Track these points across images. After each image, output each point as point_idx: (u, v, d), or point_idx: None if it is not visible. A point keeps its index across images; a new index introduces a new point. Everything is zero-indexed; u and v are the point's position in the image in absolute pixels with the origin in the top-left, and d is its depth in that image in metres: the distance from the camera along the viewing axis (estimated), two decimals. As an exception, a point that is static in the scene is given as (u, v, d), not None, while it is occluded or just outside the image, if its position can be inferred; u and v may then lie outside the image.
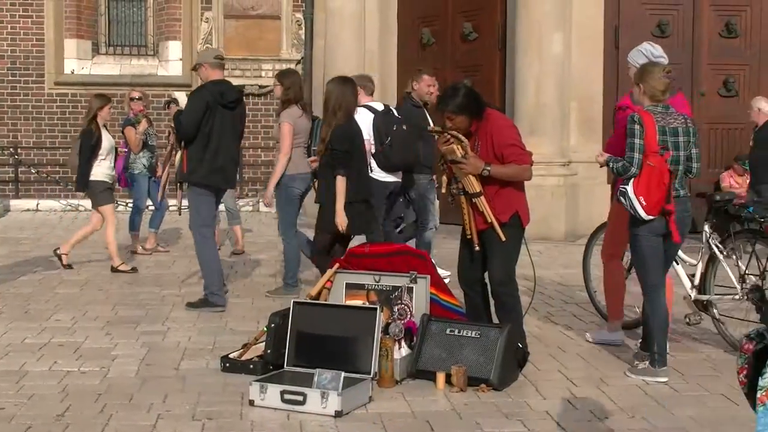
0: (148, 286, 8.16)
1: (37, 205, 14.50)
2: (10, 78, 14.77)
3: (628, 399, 4.90)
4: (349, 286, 5.63)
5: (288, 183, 7.51)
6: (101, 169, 8.80)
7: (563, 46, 11.53)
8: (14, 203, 14.46)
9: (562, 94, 11.54)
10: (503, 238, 5.31)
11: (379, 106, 7.78)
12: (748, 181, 10.65)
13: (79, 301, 7.47)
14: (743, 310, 5.90)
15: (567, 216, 11.24)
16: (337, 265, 5.72)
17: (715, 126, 12.06)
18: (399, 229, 8.14)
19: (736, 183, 11.56)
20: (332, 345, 5.08)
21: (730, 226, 5.92)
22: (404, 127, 7.69)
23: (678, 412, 4.69)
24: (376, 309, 5.11)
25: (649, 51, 5.83)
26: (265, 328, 5.34)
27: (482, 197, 5.31)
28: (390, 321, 5.29)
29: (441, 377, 5.02)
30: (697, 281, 6.03)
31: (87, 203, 14.24)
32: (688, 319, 5.98)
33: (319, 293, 5.63)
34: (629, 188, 5.13)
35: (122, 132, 9.98)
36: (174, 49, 14.94)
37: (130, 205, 10.47)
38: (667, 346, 5.44)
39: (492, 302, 5.57)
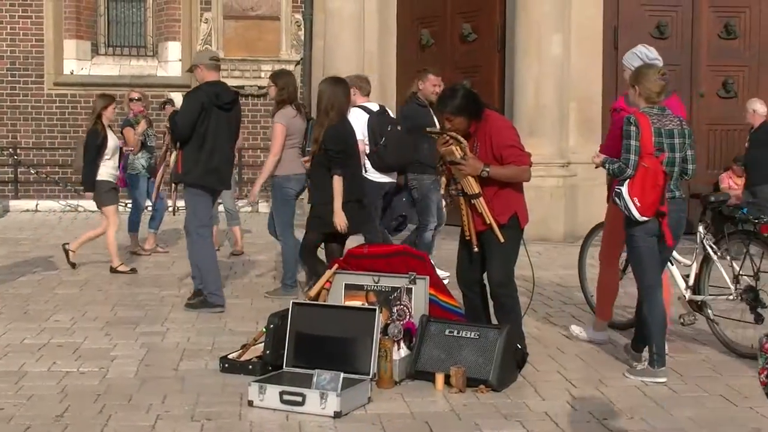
0: (147, 286, 8.16)
1: (37, 205, 14.50)
2: (9, 78, 14.78)
3: (627, 400, 4.91)
4: (348, 287, 5.63)
5: (283, 184, 7.52)
6: (106, 169, 8.83)
7: (562, 47, 11.53)
8: (13, 204, 14.47)
9: (561, 95, 11.54)
10: (502, 240, 5.31)
11: (374, 107, 7.80)
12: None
13: (78, 301, 7.47)
14: (739, 311, 5.92)
15: (566, 217, 11.24)
16: (336, 265, 5.73)
17: (714, 127, 12.07)
18: (398, 227, 8.15)
19: (735, 184, 11.56)
20: (331, 346, 5.08)
21: (725, 227, 5.95)
22: (399, 128, 7.70)
23: (677, 413, 4.69)
24: (375, 310, 5.12)
25: (643, 53, 5.86)
26: (264, 329, 5.35)
27: (481, 198, 5.31)
28: (389, 322, 5.29)
29: (440, 378, 5.03)
30: (691, 282, 6.06)
31: (86, 204, 14.35)
32: (682, 320, 6.01)
33: (318, 294, 5.63)
34: (624, 189, 5.15)
35: (121, 132, 9.98)
36: (173, 49, 14.95)
37: (129, 205, 10.47)
38: (666, 347, 5.45)
39: (491, 303, 5.57)
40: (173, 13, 14.97)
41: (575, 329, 6.33)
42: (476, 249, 5.39)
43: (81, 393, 4.93)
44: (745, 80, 12.11)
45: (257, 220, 13.15)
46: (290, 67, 14.87)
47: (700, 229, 6.03)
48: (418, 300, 5.43)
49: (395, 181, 7.94)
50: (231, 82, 14.43)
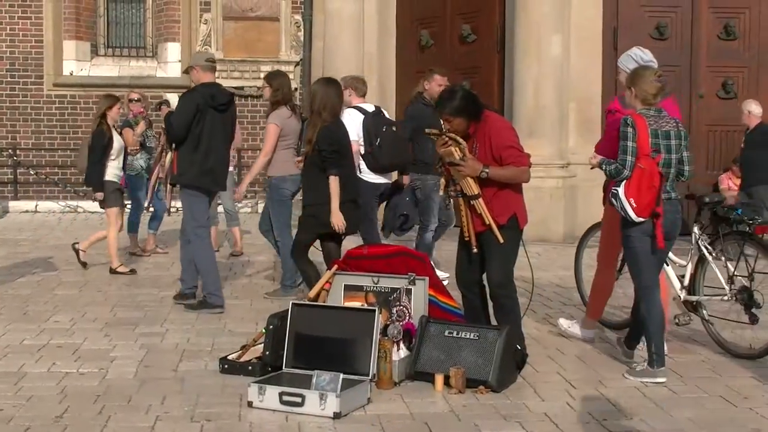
0: (146, 287, 8.16)
1: (36, 206, 14.51)
2: (9, 79, 14.79)
3: (627, 401, 4.91)
4: (348, 288, 5.63)
5: (279, 184, 7.53)
6: (111, 170, 8.85)
7: (562, 47, 11.54)
8: (13, 204, 14.47)
9: (560, 96, 11.55)
10: (501, 240, 5.31)
11: (370, 108, 7.81)
12: None
13: (77, 302, 7.47)
14: (735, 312, 5.94)
15: (565, 218, 11.25)
16: (335, 266, 5.73)
17: (713, 128, 12.08)
18: (402, 225, 8.17)
19: (734, 185, 11.56)
20: (331, 346, 5.08)
21: (719, 227, 5.98)
22: (394, 129, 7.72)
23: (676, 414, 4.69)
24: (374, 311, 5.11)
25: (638, 55, 5.89)
26: (264, 330, 5.35)
27: (480, 199, 5.31)
28: (388, 323, 5.29)
29: (439, 379, 5.03)
30: (686, 282, 6.09)
31: (86, 205, 14.36)
32: (677, 320, 6.03)
33: (318, 295, 5.63)
34: (620, 190, 5.17)
35: (120, 133, 9.97)
36: (173, 50, 14.96)
37: (129, 206, 10.46)
38: (665, 347, 5.46)
39: (490, 304, 5.57)
40: (173, 14, 14.98)
41: (563, 323, 6.38)
42: (475, 250, 5.40)
43: (80, 394, 4.93)
44: (744, 81, 12.12)
45: (257, 221, 13.14)
46: (290, 68, 14.89)
47: (695, 229, 6.06)
48: (418, 301, 5.43)
49: (390, 181, 7.96)
50: (230, 83, 14.50)
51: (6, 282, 8.31)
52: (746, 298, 5.76)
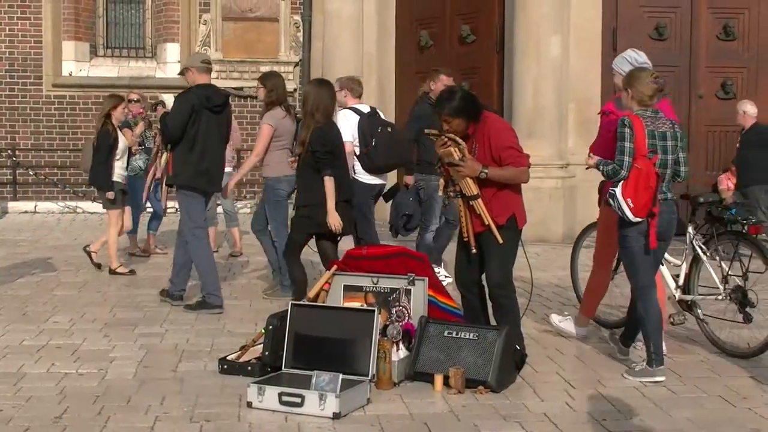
0: (145, 288, 8.15)
1: (35, 206, 14.50)
2: (8, 80, 14.79)
3: (626, 401, 4.91)
4: (347, 288, 5.63)
5: (274, 185, 7.53)
6: (115, 170, 8.87)
7: (561, 48, 11.54)
8: (12, 205, 14.47)
9: (560, 97, 11.56)
10: (500, 241, 5.32)
11: (365, 109, 7.82)
12: None
13: (77, 303, 7.47)
14: (730, 311, 5.97)
15: (565, 218, 11.26)
16: (335, 266, 5.73)
17: (713, 128, 12.08)
18: (405, 225, 8.19)
19: (733, 185, 11.58)
20: (330, 347, 5.08)
21: (714, 227, 6.01)
22: (389, 130, 7.73)
23: (675, 414, 4.70)
24: (373, 311, 5.12)
25: (633, 57, 5.94)
26: (263, 330, 5.35)
27: (479, 200, 5.32)
28: (388, 323, 5.29)
29: (439, 379, 5.03)
30: (681, 282, 6.13)
31: (85, 205, 14.37)
32: (672, 319, 6.06)
33: (317, 295, 5.63)
34: (618, 191, 5.20)
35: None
36: (172, 51, 14.95)
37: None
38: (664, 347, 5.47)
39: (489, 304, 5.58)
40: (172, 14, 14.98)
41: (555, 318, 6.41)
42: (474, 250, 5.40)
43: (80, 394, 4.93)
44: (743, 81, 12.13)
45: (256, 222, 13.15)
46: (289, 69, 14.90)
47: (690, 229, 6.12)
48: (417, 301, 5.43)
49: (385, 182, 7.97)
50: (230, 84, 14.52)
51: (5, 282, 8.31)
52: (740, 298, 5.81)
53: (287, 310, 5.27)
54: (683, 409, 4.78)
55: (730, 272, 5.88)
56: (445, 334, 5.20)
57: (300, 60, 14.80)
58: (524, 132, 10.72)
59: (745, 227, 5.83)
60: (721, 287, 5.90)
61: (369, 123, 7.65)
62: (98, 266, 9.01)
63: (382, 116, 7.94)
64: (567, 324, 6.34)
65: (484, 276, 5.56)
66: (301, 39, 14.78)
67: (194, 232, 7.10)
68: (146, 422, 4.48)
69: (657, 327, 5.31)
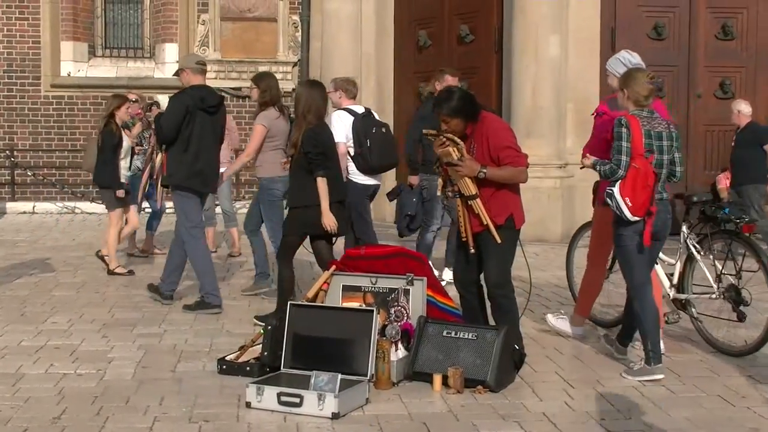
0: (144, 288, 8.12)
1: (34, 207, 14.50)
2: (6, 80, 14.78)
3: (625, 400, 4.91)
4: (346, 288, 5.63)
5: (269, 185, 7.53)
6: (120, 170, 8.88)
7: (560, 48, 11.54)
8: (10, 206, 14.47)
9: (558, 96, 11.56)
10: (499, 240, 5.32)
11: (360, 109, 7.83)
12: None
13: (75, 303, 7.46)
14: (725, 310, 6.00)
15: (563, 218, 11.26)
16: (333, 267, 5.73)
17: (711, 128, 12.08)
18: (408, 225, 8.20)
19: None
20: (329, 347, 5.08)
21: (707, 227, 6.06)
22: (383, 130, 7.75)
23: (674, 413, 4.70)
24: (372, 311, 5.12)
25: (626, 58, 5.97)
26: (262, 330, 5.35)
27: (478, 199, 5.32)
28: (387, 323, 5.29)
29: (438, 379, 5.03)
30: (675, 280, 6.16)
31: (83, 206, 14.37)
32: (666, 318, 6.09)
33: (316, 295, 5.63)
34: (616, 190, 5.21)
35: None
36: (170, 51, 14.94)
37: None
38: (662, 347, 5.48)
39: (488, 304, 5.58)
40: (170, 14, 14.97)
41: (551, 318, 6.43)
42: (472, 250, 5.40)
43: (78, 395, 4.93)
44: (742, 81, 12.14)
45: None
46: (287, 69, 14.90)
47: (684, 228, 6.15)
48: (416, 301, 5.43)
49: (380, 183, 7.99)
50: (228, 84, 14.53)
51: (3, 283, 8.31)
52: (734, 296, 5.85)
53: (286, 310, 5.27)
54: (682, 408, 4.79)
55: (723, 271, 5.92)
56: (444, 333, 5.20)
57: (299, 60, 14.79)
58: (523, 132, 10.73)
59: (739, 226, 5.86)
60: (715, 286, 5.95)
61: (363, 124, 7.66)
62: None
63: (377, 117, 7.97)
64: (562, 323, 6.37)
65: (482, 276, 5.56)
66: (300, 39, 14.78)
67: (191, 231, 7.10)
68: (145, 422, 4.48)
69: (654, 325, 5.33)
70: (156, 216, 10.16)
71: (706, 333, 6.06)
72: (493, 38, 12.27)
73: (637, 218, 5.22)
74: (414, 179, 8.20)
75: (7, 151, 14.70)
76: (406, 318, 5.36)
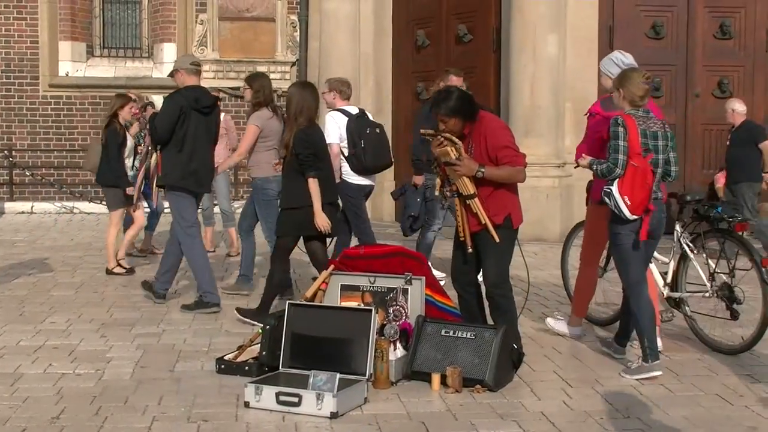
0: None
1: (32, 207, 14.49)
2: (4, 80, 14.77)
3: (623, 399, 4.92)
4: (344, 288, 5.64)
5: (263, 185, 7.54)
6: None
7: (558, 47, 11.54)
8: (9, 206, 14.46)
9: (556, 96, 11.56)
10: (497, 240, 5.32)
11: (354, 110, 7.85)
12: None
13: (74, 303, 7.46)
14: (719, 308, 6.02)
15: (562, 217, 11.26)
16: (332, 266, 5.73)
17: (709, 127, 12.08)
18: (411, 226, 8.21)
19: (727, 183, 11.60)
20: (327, 346, 5.08)
21: (700, 225, 6.09)
22: (377, 131, 7.77)
23: (672, 412, 4.70)
24: (371, 310, 5.12)
25: (619, 59, 6.00)
26: (260, 330, 5.35)
27: (476, 199, 5.32)
28: (385, 322, 5.30)
29: (436, 378, 5.03)
30: (669, 279, 6.19)
31: (82, 206, 14.36)
32: (660, 316, 6.08)
33: (314, 295, 5.63)
34: (614, 189, 5.22)
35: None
36: (169, 51, 14.94)
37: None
38: (660, 344, 5.49)
39: (486, 303, 5.58)
40: (168, 14, 14.97)
41: (550, 321, 6.44)
42: (470, 249, 5.40)
43: (77, 395, 4.93)
44: (740, 80, 12.14)
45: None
46: (286, 69, 14.90)
47: (677, 227, 6.17)
48: (414, 300, 5.43)
49: (374, 183, 8.01)
50: (226, 84, 14.53)
51: (2, 283, 8.30)
52: (727, 295, 5.88)
53: (284, 309, 5.28)
54: (680, 407, 4.79)
55: (717, 269, 5.94)
56: (443, 333, 5.20)
57: (297, 60, 14.79)
58: (521, 131, 10.74)
59: (731, 225, 5.88)
60: (708, 284, 5.97)
61: (357, 124, 7.68)
62: (131, 270, 8.91)
63: (371, 117, 7.98)
64: (560, 325, 6.38)
65: (480, 275, 5.56)
66: (298, 39, 14.77)
67: (187, 231, 7.11)
68: (144, 422, 4.48)
69: (650, 322, 5.35)
70: (154, 215, 10.16)
71: (700, 331, 6.09)
72: (491, 38, 12.27)
73: (635, 217, 5.24)
74: (419, 179, 8.21)
75: (6, 151, 14.69)
76: (404, 317, 5.36)
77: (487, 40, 12.33)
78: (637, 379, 5.26)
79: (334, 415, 4.52)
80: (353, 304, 5.48)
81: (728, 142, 10.46)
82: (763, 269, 5.63)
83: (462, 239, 5.43)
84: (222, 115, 9.93)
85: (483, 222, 5.32)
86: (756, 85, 12.10)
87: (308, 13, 14.30)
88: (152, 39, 15.31)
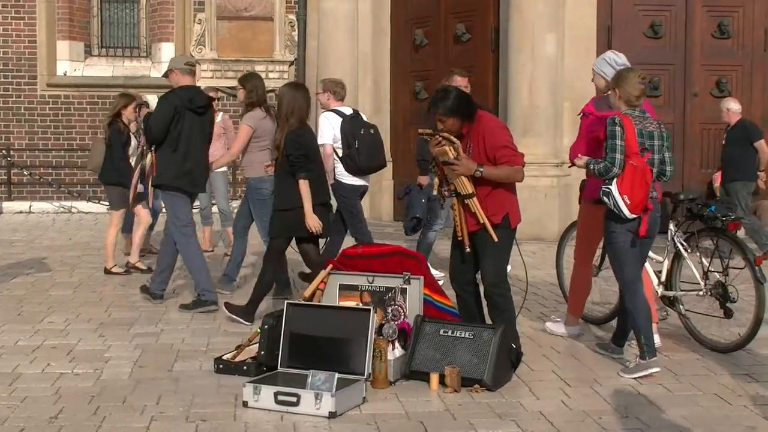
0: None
1: (30, 207, 14.49)
2: (2, 80, 14.77)
3: (622, 399, 4.92)
4: (343, 287, 5.63)
5: (257, 185, 7.53)
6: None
7: (556, 46, 11.54)
8: (7, 205, 14.45)
9: (555, 95, 11.56)
10: (496, 239, 5.32)
11: (348, 111, 7.85)
12: None
13: (72, 303, 7.46)
14: (713, 307, 6.03)
15: (560, 216, 11.24)
16: (330, 266, 5.73)
17: (707, 126, 12.08)
18: (414, 227, 8.21)
19: (726, 183, 11.59)
20: (326, 346, 5.08)
21: (694, 224, 6.11)
22: (371, 132, 7.77)
23: (671, 412, 4.70)
24: (369, 310, 5.12)
25: (612, 59, 6.02)
26: (259, 330, 5.35)
27: (474, 198, 5.32)
28: (384, 322, 5.30)
29: (434, 378, 5.03)
30: (663, 278, 6.20)
31: (80, 205, 14.35)
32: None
33: (313, 294, 5.63)
34: (613, 188, 5.22)
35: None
36: (167, 50, 14.93)
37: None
38: (658, 340, 5.50)
39: (485, 303, 5.58)
40: (167, 14, 14.96)
41: (549, 325, 6.45)
42: (468, 249, 5.41)
43: (75, 394, 4.92)
44: (738, 79, 12.14)
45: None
46: (284, 68, 14.90)
47: (671, 226, 6.19)
48: (413, 300, 5.43)
49: (368, 183, 8.01)
50: (224, 83, 14.51)
51: (0, 283, 8.30)
52: (721, 293, 5.89)
53: (283, 309, 5.28)
54: (679, 407, 4.79)
55: (710, 268, 5.96)
56: (441, 332, 5.20)
57: (295, 59, 14.79)
58: (519, 130, 10.73)
59: (725, 224, 5.89)
60: (702, 283, 5.99)
61: (351, 125, 7.68)
62: (149, 270, 8.89)
63: (365, 118, 7.99)
64: (558, 326, 6.37)
65: (479, 275, 5.57)
66: (296, 38, 14.76)
67: (182, 230, 7.12)
68: (142, 422, 4.48)
69: (647, 320, 5.37)
70: (153, 215, 10.14)
71: (694, 330, 6.11)
72: (490, 37, 12.27)
73: (635, 216, 5.24)
74: (423, 179, 8.21)
75: (4, 151, 14.69)
76: (403, 317, 5.36)
77: (486, 39, 12.33)
78: (635, 378, 5.26)
79: (332, 415, 4.52)
80: (352, 303, 5.48)
81: (724, 141, 10.48)
82: (757, 268, 5.65)
83: (460, 239, 5.43)
84: (220, 114, 9.96)
85: (481, 221, 5.32)
86: (754, 85, 12.10)
87: (306, 12, 14.28)
88: (150, 38, 15.31)
